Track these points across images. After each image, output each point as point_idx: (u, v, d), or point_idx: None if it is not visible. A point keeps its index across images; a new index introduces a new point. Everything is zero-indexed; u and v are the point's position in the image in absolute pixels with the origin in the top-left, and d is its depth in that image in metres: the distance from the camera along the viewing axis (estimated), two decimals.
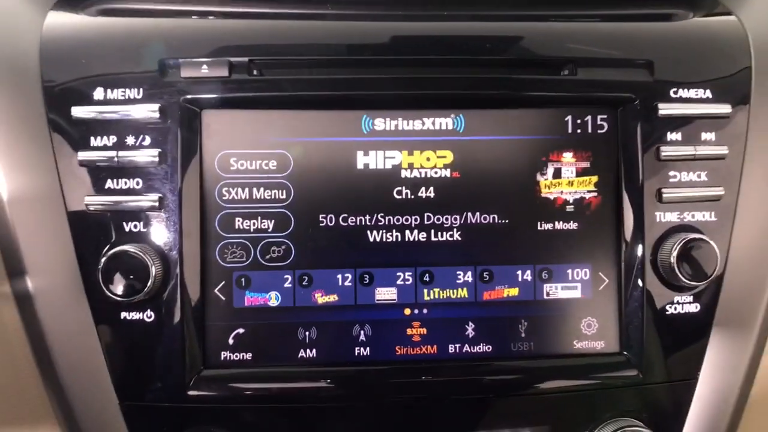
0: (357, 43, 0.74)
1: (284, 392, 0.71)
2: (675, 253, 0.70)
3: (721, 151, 0.74)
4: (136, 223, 0.69)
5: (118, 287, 0.66)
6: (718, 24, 0.79)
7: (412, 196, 0.73)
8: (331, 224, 0.72)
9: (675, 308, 0.74)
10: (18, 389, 0.71)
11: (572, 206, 0.74)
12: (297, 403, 0.71)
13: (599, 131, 0.74)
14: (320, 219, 0.72)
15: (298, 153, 0.72)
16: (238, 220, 0.71)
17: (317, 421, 0.72)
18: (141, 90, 0.69)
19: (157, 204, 0.68)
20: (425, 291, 0.73)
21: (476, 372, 0.73)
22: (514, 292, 0.74)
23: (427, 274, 0.73)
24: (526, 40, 0.74)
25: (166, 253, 0.68)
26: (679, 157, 0.73)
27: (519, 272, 0.74)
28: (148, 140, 0.69)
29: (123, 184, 0.69)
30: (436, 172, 0.73)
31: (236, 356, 0.71)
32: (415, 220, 0.73)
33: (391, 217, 0.72)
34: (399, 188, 0.73)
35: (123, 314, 0.68)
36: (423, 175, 0.73)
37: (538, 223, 0.73)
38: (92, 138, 0.68)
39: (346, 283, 0.72)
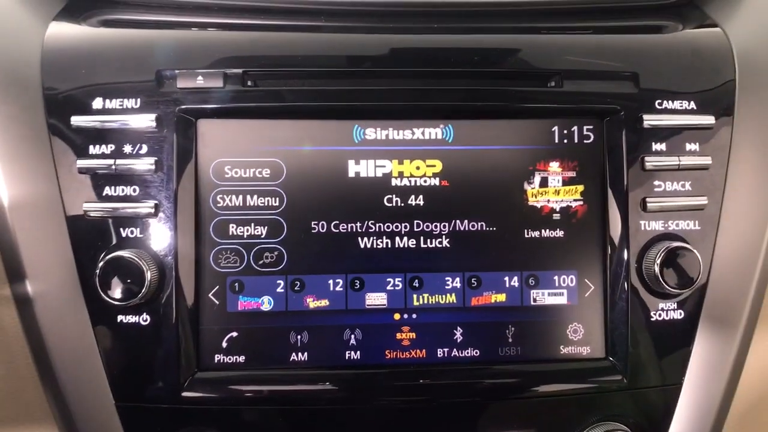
0: (349, 54, 0.75)
1: (276, 394, 0.72)
2: (659, 261, 0.71)
3: (705, 161, 0.75)
4: (133, 229, 0.70)
5: (115, 291, 0.67)
6: (703, 37, 0.80)
7: (402, 204, 0.74)
8: (323, 231, 0.73)
9: (659, 315, 0.75)
10: (17, 390, 0.72)
11: (559, 214, 0.75)
12: (288, 405, 0.73)
13: (585, 141, 0.76)
14: (312, 226, 0.73)
15: (291, 161, 0.73)
16: (232, 227, 0.73)
17: (308, 423, 0.73)
18: (138, 100, 0.71)
19: (153, 210, 0.70)
20: (414, 296, 0.74)
21: (464, 376, 0.74)
22: (501, 298, 0.75)
23: (416, 280, 0.74)
24: (514, 52, 0.76)
25: (161, 258, 0.70)
26: (663, 167, 0.75)
27: (506, 278, 0.75)
28: (145, 149, 0.70)
29: (120, 191, 0.70)
30: (425, 181, 0.75)
31: (230, 359, 0.72)
32: (405, 227, 0.74)
33: (382, 224, 0.74)
34: (389, 196, 0.74)
35: (119, 317, 0.70)
36: (413, 184, 0.74)
37: (525, 230, 0.75)
38: (91, 146, 0.70)
39: (337, 289, 0.74)
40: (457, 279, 0.75)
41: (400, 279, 0.74)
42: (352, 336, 0.74)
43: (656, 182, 0.75)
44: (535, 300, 0.75)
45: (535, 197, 0.75)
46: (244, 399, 0.72)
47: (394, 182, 0.74)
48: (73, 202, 0.70)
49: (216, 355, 0.72)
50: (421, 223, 0.74)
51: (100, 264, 0.68)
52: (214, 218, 0.73)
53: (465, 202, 0.75)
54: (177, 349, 0.70)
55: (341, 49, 0.75)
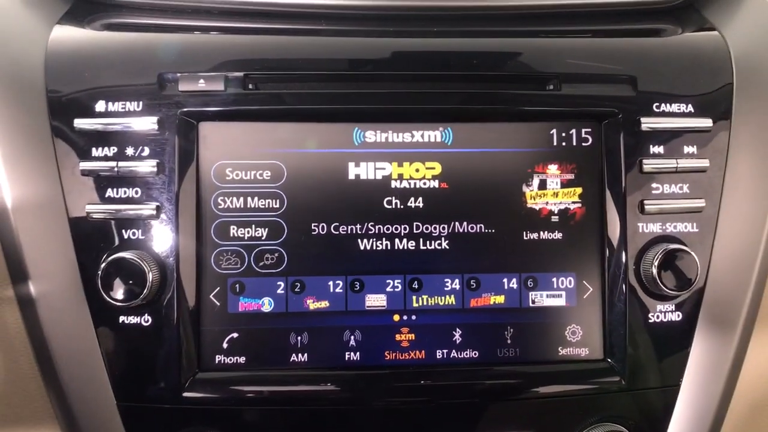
0: (349, 58, 0.76)
1: (276, 395, 0.73)
2: (656, 263, 0.72)
3: (703, 164, 0.75)
4: (135, 230, 0.71)
5: (117, 292, 0.68)
6: (701, 40, 0.81)
7: (402, 206, 0.75)
8: (323, 233, 0.74)
9: (657, 316, 0.75)
10: (20, 390, 0.73)
11: (557, 217, 0.76)
12: (288, 405, 0.73)
13: (584, 144, 0.76)
14: (312, 227, 0.74)
15: (291, 164, 0.74)
16: (233, 228, 0.74)
17: (308, 423, 0.74)
18: (141, 103, 0.71)
19: (155, 212, 0.70)
20: (414, 298, 0.75)
21: (463, 377, 0.74)
22: (500, 299, 0.75)
23: (415, 282, 0.75)
24: (512, 55, 0.77)
25: (163, 260, 0.71)
26: (661, 170, 0.75)
27: (505, 280, 0.75)
28: (147, 151, 0.71)
29: (123, 193, 0.71)
30: (424, 183, 0.75)
31: (230, 360, 0.73)
32: (405, 229, 0.75)
33: (381, 226, 0.75)
34: (389, 198, 0.75)
35: (121, 318, 0.70)
36: (412, 186, 0.75)
37: (524, 232, 0.75)
38: (94, 148, 0.71)
39: (337, 290, 0.74)
40: (456, 281, 0.75)
41: (399, 280, 0.75)
42: (352, 337, 0.74)
43: (654, 185, 0.75)
44: (533, 302, 0.76)
45: (534, 199, 0.75)
46: (244, 399, 0.72)
47: (394, 184, 0.75)
48: (75, 204, 0.71)
49: (217, 356, 0.73)
50: (421, 225, 0.75)
51: (103, 265, 0.68)
52: (215, 220, 0.73)
53: (464, 204, 0.75)
54: (178, 349, 0.71)
55: (341, 53, 0.76)
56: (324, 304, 0.74)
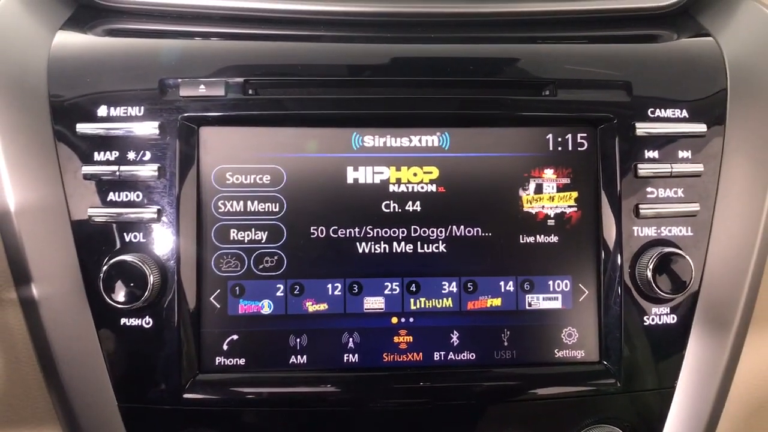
0: (348, 64, 0.77)
1: (275, 396, 0.73)
2: (651, 266, 0.72)
3: (697, 168, 0.76)
4: (136, 233, 0.71)
5: (119, 294, 0.68)
6: (696, 46, 0.81)
7: (400, 210, 0.76)
8: (322, 236, 0.75)
9: (653, 319, 0.76)
10: (22, 391, 0.73)
11: (553, 220, 0.76)
12: (288, 406, 0.74)
13: (579, 149, 0.77)
14: (311, 231, 0.75)
15: (291, 168, 0.75)
16: (233, 232, 0.74)
17: (307, 425, 0.75)
18: (142, 108, 0.72)
19: (156, 216, 0.71)
20: (411, 300, 0.76)
21: (460, 379, 0.75)
22: (497, 302, 0.76)
23: (413, 285, 0.76)
24: (509, 61, 0.78)
25: (164, 263, 0.71)
26: (656, 175, 0.76)
27: (502, 283, 0.76)
28: (148, 155, 0.72)
29: (124, 196, 0.72)
30: (422, 187, 0.76)
31: (230, 361, 0.73)
32: (403, 232, 0.76)
33: (380, 230, 0.75)
34: (387, 202, 0.76)
35: (123, 320, 0.71)
36: (410, 190, 0.76)
37: (521, 236, 0.76)
38: (96, 153, 0.72)
39: (336, 293, 0.75)
40: (454, 283, 0.76)
41: (397, 283, 0.75)
42: (350, 339, 0.75)
43: (649, 189, 0.76)
44: (530, 304, 0.76)
45: (530, 203, 0.76)
46: (244, 401, 0.73)
47: (392, 188, 0.76)
48: (77, 208, 0.71)
49: (217, 358, 0.73)
50: (418, 229, 0.76)
51: (104, 268, 0.69)
52: (215, 223, 0.74)
53: (461, 208, 0.76)
54: (179, 351, 0.71)
55: (340, 59, 0.77)
56: (323, 306, 0.75)
